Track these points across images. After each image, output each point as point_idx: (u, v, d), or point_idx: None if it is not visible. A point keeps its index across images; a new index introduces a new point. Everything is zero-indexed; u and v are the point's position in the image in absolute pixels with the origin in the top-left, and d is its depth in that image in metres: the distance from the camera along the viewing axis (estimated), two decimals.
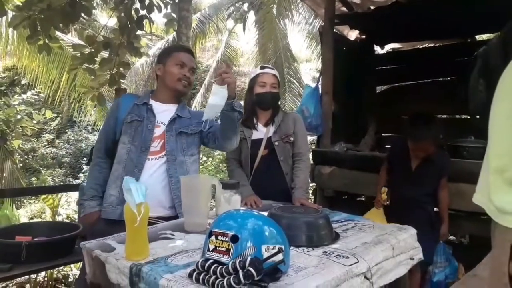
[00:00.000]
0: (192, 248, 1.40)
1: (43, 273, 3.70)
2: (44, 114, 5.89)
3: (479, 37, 4.22)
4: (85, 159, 10.98)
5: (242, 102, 2.07)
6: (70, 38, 7.96)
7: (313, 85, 3.55)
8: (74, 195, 6.11)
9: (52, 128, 12.51)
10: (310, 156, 2.80)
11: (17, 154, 9.25)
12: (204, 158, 9.98)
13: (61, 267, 3.84)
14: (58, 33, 3.98)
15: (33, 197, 8.85)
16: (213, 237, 1.12)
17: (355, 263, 1.31)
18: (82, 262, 1.68)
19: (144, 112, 1.98)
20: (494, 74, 0.89)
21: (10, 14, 3.39)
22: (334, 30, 3.60)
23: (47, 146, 12.08)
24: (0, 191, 4.44)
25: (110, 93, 5.34)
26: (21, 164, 9.88)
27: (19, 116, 5.47)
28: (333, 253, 1.37)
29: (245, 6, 11.32)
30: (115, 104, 2.11)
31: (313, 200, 3.45)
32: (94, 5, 4.17)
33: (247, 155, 2.32)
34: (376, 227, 1.74)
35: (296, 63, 11.67)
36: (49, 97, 8.85)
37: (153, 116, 1.98)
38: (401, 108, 4.12)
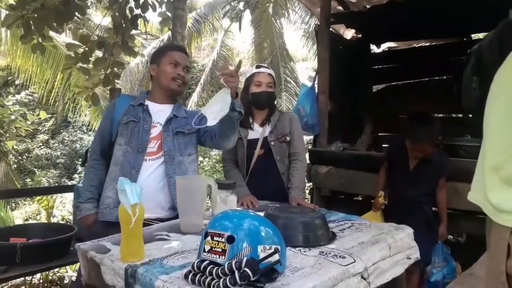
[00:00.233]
0: (188, 249, 1.39)
1: (38, 275, 3.68)
2: (38, 115, 5.85)
3: (475, 36, 4.23)
4: (80, 159, 10.95)
5: None
6: (64, 38, 7.91)
7: (309, 84, 3.54)
8: (69, 196, 6.08)
9: (46, 128, 12.46)
10: (307, 156, 2.80)
11: (11, 155, 9.19)
12: (201, 158, 9.97)
13: (56, 269, 3.82)
14: (52, 33, 3.95)
15: (28, 199, 8.80)
16: (208, 238, 1.11)
17: (351, 263, 1.30)
18: (79, 264, 1.66)
19: (140, 113, 1.97)
20: (488, 72, 0.88)
21: (4, 13, 3.35)
22: (330, 29, 3.60)
23: (42, 147, 12.02)
24: None
25: (105, 93, 5.32)
26: (15, 165, 9.82)
27: (13, 117, 5.43)
28: (329, 253, 1.36)
29: (241, 5, 11.31)
30: (111, 105, 2.10)
31: (310, 200, 3.45)
32: (89, 4, 4.14)
33: (243, 155, 2.31)
34: (372, 227, 1.74)
35: (293, 62, 11.67)
36: (43, 97, 8.80)
37: (149, 117, 1.97)
38: (398, 107, 4.12)
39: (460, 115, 3.93)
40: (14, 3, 2.94)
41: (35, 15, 2.93)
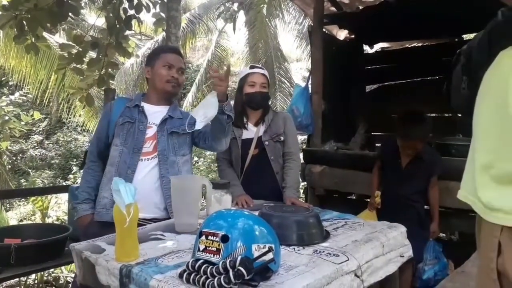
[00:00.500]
0: (182, 248, 1.40)
1: (33, 276, 3.67)
2: (32, 115, 5.83)
3: (466, 37, 4.26)
4: (74, 160, 10.90)
5: (232, 102, 2.08)
6: (57, 39, 7.88)
7: (303, 84, 3.56)
8: (64, 196, 6.05)
9: (41, 129, 12.39)
10: (301, 155, 2.81)
11: (5, 155, 9.13)
12: (196, 158, 9.96)
13: (52, 270, 3.81)
14: (45, 34, 3.94)
15: (23, 199, 8.76)
16: (203, 237, 1.12)
17: (345, 261, 1.32)
18: (74, 264, 1.67)
19: (136, 114, 1.99)
20: (477, 72, 0.90)
21: None
22: (323, 30, 3.62)
23: (36, 147, 11.95)
24: None
25: (100, 93, 5.30)
26: (9, 166, 9.76)
27: (6, 118, 5.40)
28: (323, 252, 1.38)
29: (235, 6, 11.31)
30: (108, 107, 2.12)
31: (304, 199, 3.46)
32: (82, 5, 4.13)
33: (237, 154, 2.32)
34: (366, 225, 1.75)
35: (287, 63, 11.69)
36: (37, 98, 8.76)
37: (144, 118, 1.98)
38: (390, 107, 4.15)
39: (452, 115, 3.96)
40: (7, 3, 2.93)
41: (29, 16, 2.92)
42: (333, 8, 3.88)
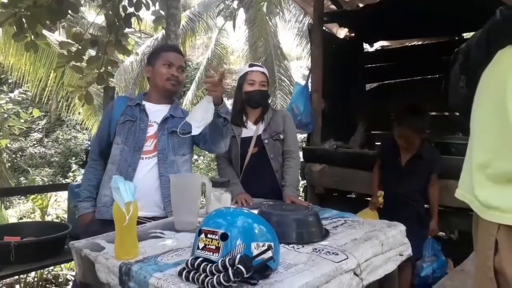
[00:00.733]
0: (182, 246, 1.40)
1: (32, 274, 3.67)
2: (31, 113, 5.83)
3: (466, 35, 4.26)
4: (74, 158, 10.90)
5: (228, 103, 2.07)
6: (57, 37, 7.87)
7: (303, 83, 3.56)
8: (64, 194, 6.05)
9: (40, 127, 12.39)
10: (301, 154, 2.81)
11: (5, 153, 9.13)
12: (195, 157, 9.96)
13: (51, 267, 3.81)
14: (45, 32, 3.93)
15: (22, 197, 8.76)
16: (202, 235, 1.12)
17: (344, 259, 1.32)
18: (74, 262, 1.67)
19: (137, 113, 2.00)
20: (476, 71, 0.90)
21: None
22: (323, 28, 3.61)
23: (36, 145, 11.95)
24: None
25: (99, 91, 5.30)
26: (9, 164, 9.76)
27: (5, 115, 5.39)
28: (322, 250, 1.38)
29: (235, 3, 11.29)
30: (110, 106, 2.14)
31: (303, 197, 3.46)
32: (82, 2, 4.12)
33: (237, 153, 2.32)
34: (365, 224, 1.76)
35: (287, 61, 11.69)
36: (36, 95, 8.75)
37: (146, 116, 1.99)
38: (390, 105, 4.14)
39: (455, 114, 3.96)
40: (6, 1, 2.92)
41: (28, 13, 2.91)
42: (333, 6, 3.87)
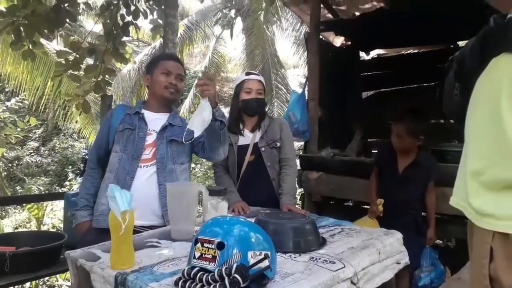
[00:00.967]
0: (178, 256, 1.39)
1: (28, 284, 3.64)
2: (28, 122, 5.82)
3: (462, 43, 4.30)
4: (70, 167, 10.86)
5: (228, 109, 2.08)
6: (55, 46, 7.89)
7: (299, 91, 3.57)
8: (60, 204, 6.03)
9: (37, 136, 12.35)
10: (298, 162, 2.81)
11: (1, 162, 9.10)
12: (193, 165, 9.94)
13: (47, 278, 3.78)
14: (42, 40, 3.94)
15: (18, 207, 8.71)
16: (199, 245, 1.12)
17: (341, 268, 1.31)
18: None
19: (136, 121, 2.00)
20: (470, 78, 0.91)
21: None
22: (320, 36, 3.64)
23: (32, 154, 11.91)
24: None
25: (97, 100, 5.30)
26: (5, 173, 9.71)
27: (2, 124, 5.38)
28: (319, 259, 1.37)
29: (232, 12, 11.38)
30: (109, 113, 2.14)
31: (301, 205, 3.46)
32: (80, 11, 4.14)
33: (233, 161, 2.31)
34: (362, 232, 1.75)
35: (284, 69, 11.76)
36: (33, 104, 8.74)
37: (144, 125, 2.00)
38: (387, 113, 4.16)
39: (450, 121, 3.98)
40: (4, 9, 2.93)
41: (26, 22, 2.92)
42: (329, 15, 3.90)
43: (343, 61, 4.08)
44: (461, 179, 0.90)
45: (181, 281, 1.09)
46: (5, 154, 9.18)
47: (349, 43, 4.32)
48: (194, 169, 10.05)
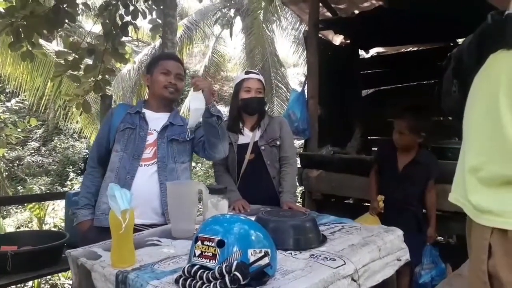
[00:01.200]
0: (179, 254, 1.40)
1: (30, 283, 3.65)
2: (29, 122, 5.83)
3: (461, 41, 4.29)
4: (71, 166, 10.87)
5: (228, 108, 2.10)
6: (55, 47, 7.89)
7: (299, 89, 3.58)
8: (61, 203, 6.04)
9: (38, 136, 12.36)
10: (298, 160, 2.81)
11: (2, 163, 9.11)
12: (194, 164, 9.95)
13: (49, 277, 3.79)
14: (42, 42, 3.95)
15: (20, 206, 8.73)
16: (199, 243, 1.12)
17: (342, 265, 1.32)
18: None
19: (136, 120, 2.01)
20: (468, 75, 0.91)
21: None
22: (319, 35, 3.63)
23: (33, 154, 11.92)
24: None
25: (97, 99, 5.31)
26: (6, 173, 9.72)
27: (2, 125, 5.39)
28: (320, 256, 1.38)
29: (232, 12, 11.38)
30: (109, 113, 2.15)
31: (301, 203, 3.46)
32: (79, 11, 4.14)
33: (233, 159, 2.32)
34: (363, 229, 1.75)
35: (283, 68, 11.76)
36: (34, 104, 8.75)
37: (145, 124, 2.01)
38: (386, 111, 4.16)
39: (449, 118, 3.98)
40: (3, 10, 2.94)
41: (25, 23, 2.93)
42: (328, 14, 3.90)
43: (343, 59, 4.08)
44: (459, 175, 0.91)
45: (181, 279, 1.10)
46: (6, 154, 9.20)
47: (348, 41, 4.32)
48: (195, 168, 10.06)
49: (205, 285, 1.04)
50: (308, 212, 1.92)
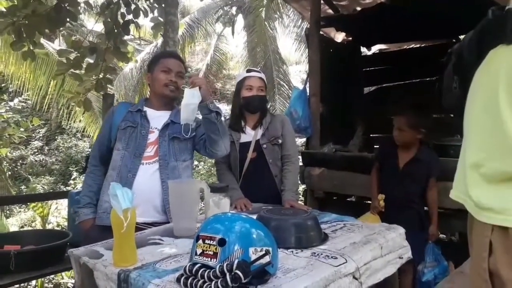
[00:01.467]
0: (181, 253, 1.40)
1: (33, 282, 3.67)
2: (31, 121, 5.85)
3: (463, 37, 4.27)
4: (74, 166, 10.90)
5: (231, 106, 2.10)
6: (57, 46, 7.90)
7: (301, 87, 3.57)
8: (64, 202, 6.05)
9: (41, 135, 12.40)
10: (300, 158, 2.81)
11: (5, 162, 9.14)
12: (196, 162, 9.96)
13: (52, 276, 3.81)
14: (45, 41, 3.96)
15: (23, 206, 8.76)
16: (200, 241, 1.12)
17: (343, 263, 1.31)
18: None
19: (138, 119, 2.01)
20: (468, 71, 0.90)
21: None
22: (321, 32, 3.63)
23: (36, 153, 11.96)
24: None
25: (99, 98, 5.32)
26: (9, 173, 9.76)
27: (5, 124, 5.40)
28: (321, 254, 1.37)
29: (234, 9, 11.36)
30: (110, 111, 2.15)
31: (303, 201, 3.46)
32: (81, 10, 4.15)
33: (235, 158, 2.32)
34: (364, 227, 1.75)
35: (285, 66, 11.73)
36: (37, 103, 8.77)
37: (147, 122, 2.01)
38: (388, 108, 4.15)
39: (451, 116, 3.96)
40: (5, 9, 2.94)
41: (26, 22, 2.93)
42: (330, 11, 3.89)
43: (345, 56, 4.07)
44: (460, 172, 0.90)
45: (183, 278, 1.10)
46: (9, 154, 9.23)
47: (350, 38, 4.31)
48: (198, 166, 10.06)
49: (207, 283, 1.04)
50: (310, 210, 1.91)
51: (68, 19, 3.13)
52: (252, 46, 10.96)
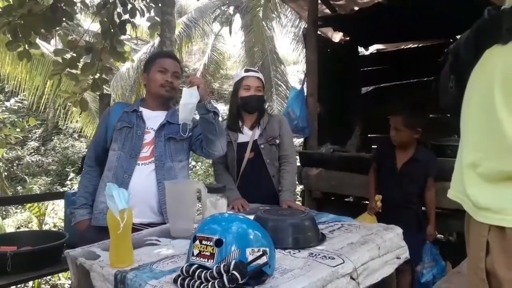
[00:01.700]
0: (178, 253, 1.39)
1: (30, 283, 3.65)
2: (28, 122, 5.82)
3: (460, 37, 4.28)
4: (71, 166, 10.87)
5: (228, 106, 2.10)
6: (53, 46, 7.87)
7: (299, 87, 3.57)
8: (61, 203, 6.04)
9: (37, 135, 12.35)
10: (297, 158, 2.81)
11: (1, 163, 9.10)
12: (193, 163, 9.95)
13: (49, 277, 3.79)
14: (41, 41, 3.94)
15: (19, 207, 8.73)
16: (197, 242, 1.12)
17: (341, 263, 1.31)
18: None
19: (134, 119, 2.00)
20: (465, 70, 0.90)
21: None
22: (318, 32, 3.63)
23: (33, 154, 11.91)
24: None
25: (96, 98, 5.30)
26: (5, 173, 9.72)
27: (1, 125, 5.38)
28: (319, 254, 1.37)
29: (231, 9, 11.36)
30: (106, 112, 2.14)
31: (301, 202, 3.46)
32: (77, 10, 4.13)
33: (233, 158, 2.31)
34: (362, 228, 1.75)
35: (283, 66, 11.74)
36: (33, 104, 8.74)
37: (142, 123, 2.00)
38: (386, 108, 4.15)
39: (447, 116, 3.97)
40: (0, 9, 2.93)
41: (22, 22, 2.91)
42: (327, 11, 3.89)
43: (342, 56, 4.07)
44: (458, 171, 0.90)
45: (180, 279, 1.09)
46: (5, 154, 9.19)
47: (348, 38, 4.31)
48: (195, 167, 10.06)
49: (204, 284, 1.04)
50: (307, 210, 1.91)
51: (64, 19, 3.11)
52: (250, 46, 10.96)
